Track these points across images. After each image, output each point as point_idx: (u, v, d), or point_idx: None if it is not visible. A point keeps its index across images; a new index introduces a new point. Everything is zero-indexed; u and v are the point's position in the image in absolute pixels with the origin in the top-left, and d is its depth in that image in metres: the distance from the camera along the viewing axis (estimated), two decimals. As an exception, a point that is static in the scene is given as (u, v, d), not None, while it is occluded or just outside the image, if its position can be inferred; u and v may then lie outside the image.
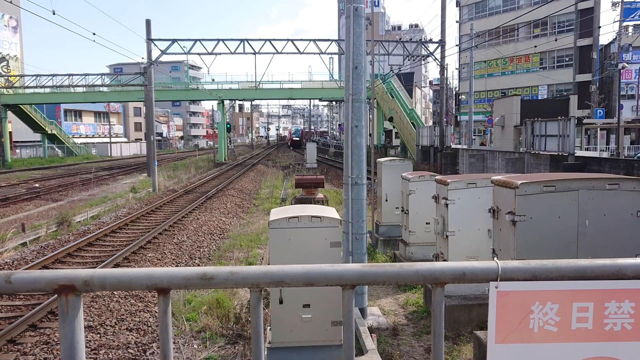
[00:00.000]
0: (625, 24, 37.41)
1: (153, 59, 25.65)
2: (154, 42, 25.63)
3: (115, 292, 8.56)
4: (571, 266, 1.26)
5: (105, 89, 44.51)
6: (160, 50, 26.38)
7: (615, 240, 5.56)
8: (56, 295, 1.27)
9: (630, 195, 5.56)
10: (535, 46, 39.73)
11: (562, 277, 1.26)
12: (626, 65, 32.21)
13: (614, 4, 35.31)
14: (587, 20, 42.64)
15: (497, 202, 5.90)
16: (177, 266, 11.04)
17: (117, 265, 10.59)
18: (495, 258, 1.30)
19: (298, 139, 75.89)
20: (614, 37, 37.20)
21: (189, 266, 10.76)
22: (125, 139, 76.90)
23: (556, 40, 37.03)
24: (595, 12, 43.14)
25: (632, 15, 40.37)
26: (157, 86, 37.98)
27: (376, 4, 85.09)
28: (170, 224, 14.63)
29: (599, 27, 40.59)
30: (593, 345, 1.34)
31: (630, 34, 41.90)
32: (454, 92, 58.16)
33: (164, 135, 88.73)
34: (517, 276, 1.26)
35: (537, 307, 1.31)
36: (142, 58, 26.59)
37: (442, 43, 27.71)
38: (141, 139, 74.60)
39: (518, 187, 5.37)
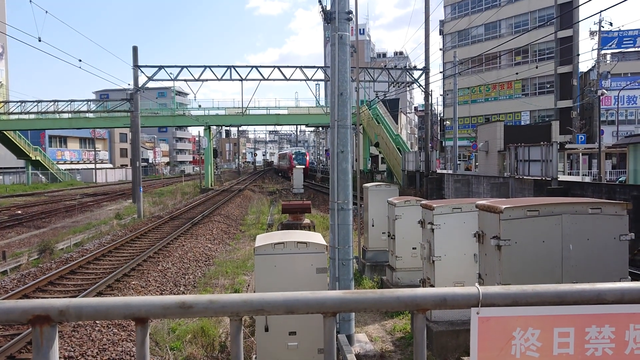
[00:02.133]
0: (603, 52, 38.42)
1: (140, 85, 25.69)
2: (141, 68, 25.72)
3: (97, 322, 8.38)
4: (551, 291, 1.26)
5: (91, 115, 44.34)
6: (147, 76, 26.48)
7: (599, 264, 5.60)
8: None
9: (612, 220, 5.62)
10: (517, 73, 40.59)
11: (543, 302, 1.26)
12: (605, 92, 32.97)
13: (591, 33, 36.32)
14: (566, 48, 43.76)
15: (482, 227, 5.93)
16: (161, 294, 10.86)
17: (100, 294, 10.39)
18: (477, 284, 1.30)
19: (303, 166, 41.55)
20: (593, 64, 38.16)
21: (174, 294, 10.60)
22: (110, 165, 76.35)
23: (537, 68, 37.85)
24: (574, 40, 44.31)
25: (609, 44, 41.55)
26: (143, 112, 37.98)
27: (361, 32, 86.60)
28: (155, 251, 14.44)
29: (578, 54, 41.64)
30: (575, 371, 1.34)
31: (608, 61, 43.03)
32: (439, 118, 58.92)
33: (150, 161, 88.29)
34: (498, 302, 1.26)
35: (519, 333, 1.30)
36: (129, 84, 26.64)
37: (426, 70, 28.17)
38: (127, 165, 74.14)
39: (502, 212, 5.40)
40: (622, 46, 44.04)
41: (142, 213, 23.63)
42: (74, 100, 35.56)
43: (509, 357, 1.33)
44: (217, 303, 1.22)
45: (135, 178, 25.79)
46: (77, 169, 66.37)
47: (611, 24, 38.06)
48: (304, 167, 41.76)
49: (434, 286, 7.40)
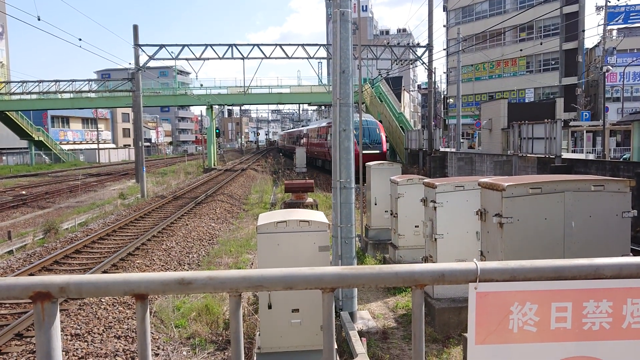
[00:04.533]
0: (609, 27, 37.90)
1: (141, 65, 25.53)
2: (142, 47, 25.53)
3: (102, 299, 8.48)
4: (549, 266, 1.27)
5: (92, 95, 44.20)
6: (148, 55, 26.29)
7: (601, 241, 5.61)
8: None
9: (615, 197, 5.61)
10: (521, 50, 40.11)
11: (540, 277, 1.26)
12: (611, 68, 32.62)
13: (598, 8, 35.78)
14: (572, 24, 43.14)
15: (484, 205, 5.93)
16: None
17: (104, 272, 10.49)
18: (475, 259, 1.30)
19: (378, 152, 28.38)
20: (599, 40, 37.67)
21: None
22: (113, 145, 76.41)
23: (541, 44, 37.41)
24: (579, 16, 43.66)
25: (615, 19, 40.93)
26: (145, 92, 37.84)
27: (364, 8, 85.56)
28: (159, 230, 14.53)
29: (584, 30, 41.08)
30: (572, 345, 1.35)
31: (614, 37, 42.47)
32: (442, 96, 58.52)
33: (153, 141, 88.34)
34: (496, 277, 1.26)
35: (517, 308, 1.31)
36: (130, 64, 26.48)
37: (429, 47, 27.88)
38: (130, 145, 74.16)
39: (505, 190, 5.40)
40: (629, 21, 43.37)
41: (145, 193, 23.72)
42: (75, 80, 35.43)
43: (507, 331, 1.34)
44: (216, 279, 1.23)
45: (138, 158, 25.83)
46: (80, 149, 66.49)
47: (618, -1, 37.40)
48: (379, 152, 25.06)
49: (436, 263, 7.44)
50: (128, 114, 75.83)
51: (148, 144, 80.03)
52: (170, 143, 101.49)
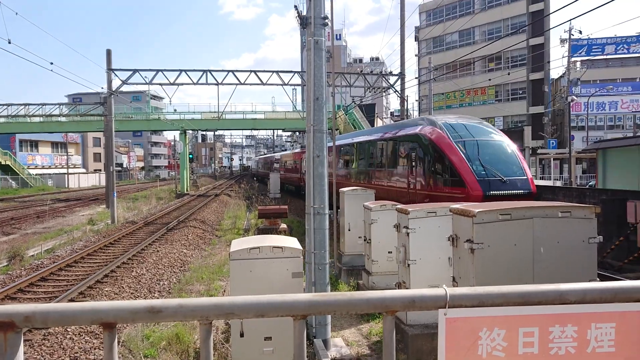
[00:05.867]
0: (573, 59, 39.37)
1: (113, 89, 25.33)
2: (115, 72, 25.38)
3: (68, 329, 8.20)
4: (516, 292, 1.30)
5: (63, 118, 43.52)
6: (121, 80, 26.12)
7: (568, 266, 5.71)
8: None
9: (581, 223, 5.75)
10: (490, 79, 41.29)
11: (508, 303, 1.29)
12: (575, 98, 33.78)
13: (562, 41, 37.22)
14: (538, 55, 44.71)
15: (456, 231, 6.00)
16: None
17: (71, 301, 10.17)
18: (444, 285, 1.32)
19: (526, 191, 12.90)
20: (564, 71, 39.09)
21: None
22: (83, 170, 74.97)
23: (509, 74, 38.58)
24: (545, 47, 45.31)
25: (579, 52, 42.60)
26: (117, 116, 37.44)
27: (338, 37, 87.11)
28: (129, 257, 14.22)
29: (549, 61, 42.59)
30: (540, 370, 1.37)
31: (578, 69, 44.12)
32: (415, 123, 59.43)
33: (125, 165, 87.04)
34: (465, 303, 1.29)
35: (485, 333, 1.33)
36: (102, 88, 26.24)
37: (402, 75, 28.45)
38: (100, 170, 72.90)
39: (475, 216, 5.48)
40: (592, 54, 45.23)
41: (115, 218, 23.26)
42: (45, 104, 34.90)
43: (476, 357, 1.35)
44: (186, 307, 1.22)
45: (109, 183, 25.39)
46: (49, 174, 65.01)
47: (580, 32, 39.12)
48: (525, 192, 12.85)
49: (409, 289, 7.46)
50: (99, 138, 74.77)
51: (119, 168, 78.82)
52: (143, 168, 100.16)
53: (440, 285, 5.68)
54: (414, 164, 14.96)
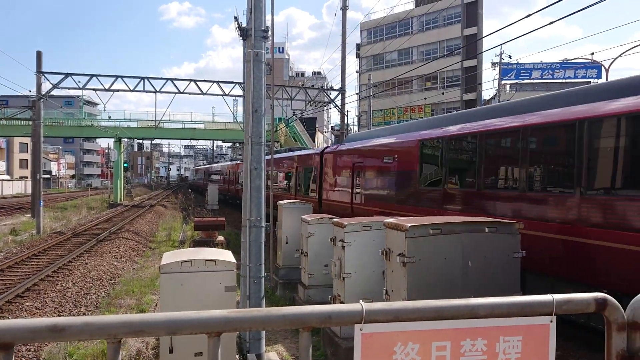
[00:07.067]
0: (503, 82, 41.50)
1: (43, 93, 24.13)
2: (45, 75, 24.20)
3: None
4: (430, 307, 1.33)
5: (-14, 122, 40.93)
6: (52, 84, 24.93)
7: (494, 280, 5.96)
8: None
9: (506, 238, 6.03)
10: (425, 98, 42.75)
11: (422, 318, 1.32)
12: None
13: (493, 64, 39.16)
14: (471, 77, 46.80)
15: (389, 244, 6.11)
16: (59, 316, 10.13)
17: (-14, 317, 9.50)
18: (361, 300, 1.34)
19: None
20: (495, 93, 41.08)
21: (74, 315, 9.92)
22: (8, 177, 70.67)
23: (443, 94, 40.14)
24: (478, 69, 47.50)
25: (509, 75, 44.96)
26: (47, 121, 35.68)
27: (280, 50, 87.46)
28: (54, 269, 13.48)
29: (480, 83, 44.65)
30: (451, 383, 1.41)
31: (507, 91, 46.52)
32: (355, 138, 60.42)
33: (54, 173, 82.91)
34: (381, 318, 1.31)
35: (400, 348, 1.36)
36: (30, 91, 24.93)
37: (342, 91, 28.89)
38: (26, 177, 68.98)
39: (408, 230, 5.62)
40: (520, 77, 47.82)
41: (41, 229, 22.03)
42: (-34, 106, 32.70)
43: (391, 371, 1.37)
44: (93, 325, 1.16)
45: (36, 191, 24.05)
46: (-32, 181, 60.83)
47: (510, 57, 41.32)
48: None
49: (344, 302, 7.49)
50: (26, 143, 70.79)
51: (48, 176, 74.94)
52: (74, 176, 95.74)
53: (374, 298, 5.79)
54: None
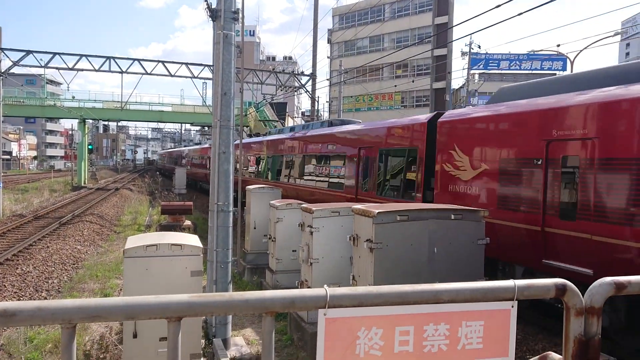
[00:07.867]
0: (472, 71, 42.02)
1: (3, 70, 23.21)
2: (5, 51, 23.27)
3: None
4: (394, 292, 1.33)
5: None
6: (12, 61, 24.00)
7: (460, 266, 6.07)
8: None
9: (472, 225, 6.13)
10: (395, 85, 42.96)
11: (386, 303, 1.32)
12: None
13: (463, 54, 39.58)
14: (441, 66, 47.21)
15: (356, 230, 6.14)
16: (19, 300, 9.86)
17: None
18: (325, 285, 1.33)
19: None
20: (464, 82, 41.60)
21: (34, 299, 9.68)
22: (-35, 157, 68.07)
23: (413, 82, 40.41)
24: (447, 59, 47.95)
25: (478, 65, 45.55)
26: (7, 100, 34.43)
27: (251, 33, 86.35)
28: (13, 253, 13.10)
29: (450, 72, 45.11)
30: (414, 367, 1.42)
31: (476, 80, 47.14)
32: (325, 124, 60.38)
33: (14, 154, 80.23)
34: (345, 303, 1.30)
35: (363, 333, 1.36)
36: (-11, 68, 23.91)
37: (313, 76, 28.75)
38: (-15, 158, 66.54)
39: (375, 216, 5.65)
40: (488, 67, 48.50)
41: (0, 211, 21.35)
42: None
43: (354, 356, 1.37)
44: (46, 310, 1.11)
45: (-6, 172, 23.22)
46: None
47: (479, 47, 41.77)
48: None
49: (311, 287, 7.52)
50: (-15, 123, 68.17)
51: (8, 157, 72.55)
52: (35, 157, 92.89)
53: (342, 284, 5.81)
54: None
